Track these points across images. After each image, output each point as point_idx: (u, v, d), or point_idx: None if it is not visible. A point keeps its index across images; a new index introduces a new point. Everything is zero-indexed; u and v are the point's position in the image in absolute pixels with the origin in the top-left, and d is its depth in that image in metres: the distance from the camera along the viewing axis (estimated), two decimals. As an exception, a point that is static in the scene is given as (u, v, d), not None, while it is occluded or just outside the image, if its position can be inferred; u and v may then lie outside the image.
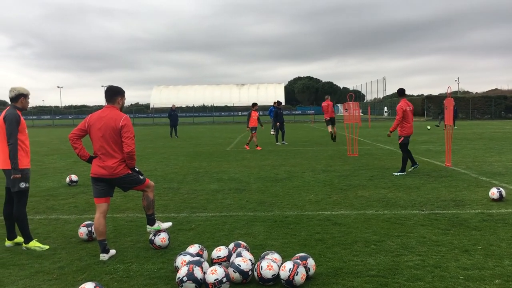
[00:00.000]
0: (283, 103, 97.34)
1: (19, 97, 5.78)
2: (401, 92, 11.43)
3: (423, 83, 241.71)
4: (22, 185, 5.65)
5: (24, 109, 5.86)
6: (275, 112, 21.12)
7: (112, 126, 5.25)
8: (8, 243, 5.87)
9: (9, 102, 5.88)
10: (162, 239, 5.61)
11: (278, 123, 20.98)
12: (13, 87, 5.78)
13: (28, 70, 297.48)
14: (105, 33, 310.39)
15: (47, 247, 5.72)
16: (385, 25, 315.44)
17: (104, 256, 5.25)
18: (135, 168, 5.52)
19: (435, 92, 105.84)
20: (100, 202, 5.42)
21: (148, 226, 5.68)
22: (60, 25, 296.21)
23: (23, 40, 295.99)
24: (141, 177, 5.56)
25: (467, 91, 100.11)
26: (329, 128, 20.86)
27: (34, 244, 5.71)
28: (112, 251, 5.40)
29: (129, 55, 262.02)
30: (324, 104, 20.92)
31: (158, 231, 5.67)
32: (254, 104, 19.86)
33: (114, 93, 5.47)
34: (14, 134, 5.56)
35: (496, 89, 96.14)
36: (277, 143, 20.82)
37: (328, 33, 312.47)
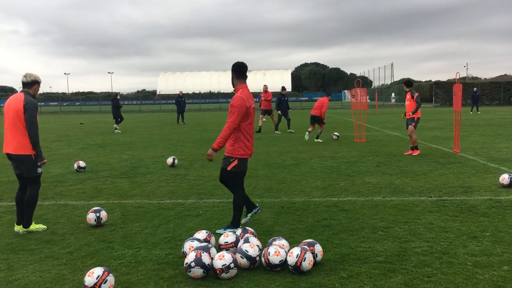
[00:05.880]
0: (290, 89, 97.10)
1: (34, 84, 5.80)
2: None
3: (432, 69, 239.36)
4: (39, 170, 5.86)
5: (34, 96, 5.90)
6: (278, 99, 20.08)
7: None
8: (17, 227, 5.93)
9: (16, 89, 5.90)
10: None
11: (279, 111, 19.92)
12: (29, 73, 5.79)
13: (44, 57, 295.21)
14: (127, 20, 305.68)
15: (44, 227, 5.93)
16: (401, 11, 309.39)
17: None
18: None
19: (444, 78, 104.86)
20: None
21: None
22: (83, 12, 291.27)
23: (44, 28, 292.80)
24: None
25: (476, 77, 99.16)
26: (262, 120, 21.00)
27: (33, 227, 5.88)
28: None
29: (146, 42, 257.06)
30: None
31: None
32: (409, 83, 12.18)
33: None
34: (36, 122, 5.68)
35: (505, 74, 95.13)
36: (275, 132, 19.61)
37: (346, 19, 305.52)
